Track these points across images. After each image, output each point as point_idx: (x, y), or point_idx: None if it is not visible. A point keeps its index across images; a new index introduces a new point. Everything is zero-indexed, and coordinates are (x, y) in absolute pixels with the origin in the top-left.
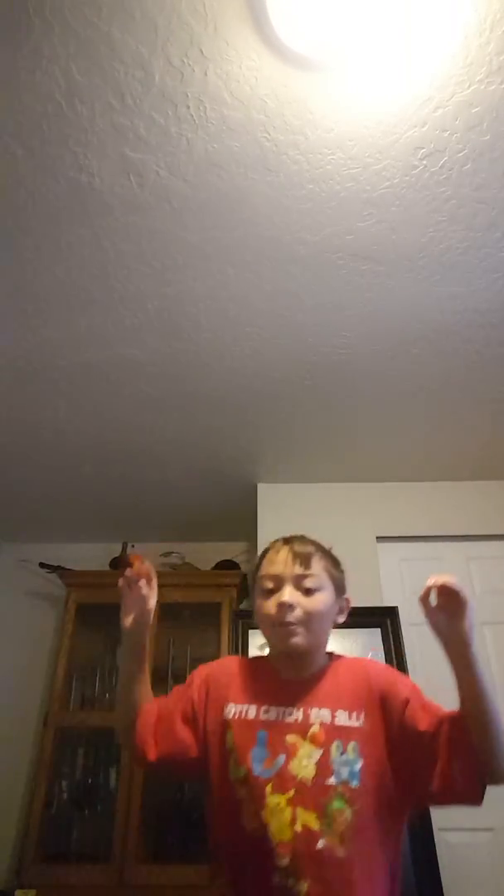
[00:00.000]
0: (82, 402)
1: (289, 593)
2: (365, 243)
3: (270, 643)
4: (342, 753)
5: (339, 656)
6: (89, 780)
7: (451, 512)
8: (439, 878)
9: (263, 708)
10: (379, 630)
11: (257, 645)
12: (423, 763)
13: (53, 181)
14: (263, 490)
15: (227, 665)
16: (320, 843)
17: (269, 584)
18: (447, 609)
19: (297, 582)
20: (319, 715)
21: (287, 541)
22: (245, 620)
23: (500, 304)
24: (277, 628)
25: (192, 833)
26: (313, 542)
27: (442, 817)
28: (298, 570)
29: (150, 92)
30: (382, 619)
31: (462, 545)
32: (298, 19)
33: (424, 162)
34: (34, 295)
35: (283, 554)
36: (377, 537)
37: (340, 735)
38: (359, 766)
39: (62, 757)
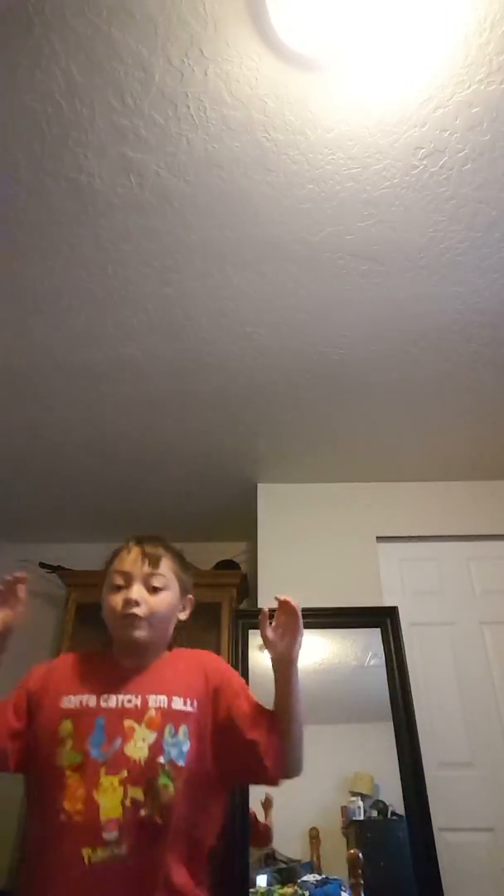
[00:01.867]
0: (82, 402)
1: (136, 590)
2: (365, 243)
3: (115, 634)
4: (173, 735)
5: (178, 648)
6: None
7: (451, 512)
8: (439, 878)
9: (104, 696)
10: (379, 630)
11: (257, 645)
12: (244, 747)
13: (53, 181)
14: (263, 490)
15: (64, 661)
16: (143, 812)
17: (119, 580)
18: (286, 626)
19: (146, 580)
20: (157, 700)
21: (139, 540)
22: (245, 620)
23: (500, 304)
24: (122, 621)
25: None
26: (164, 544)
27: (442, 817)
28: (147, 569)
29: (150, 92)
30: (382, 619)
31: (462, 545)
32: (298, 19)
33: (424, 162)
34: (34, 295)
35: (135, 553)
36: (377, 537)
37: (174, 719)
38: (186, 747)
39: None
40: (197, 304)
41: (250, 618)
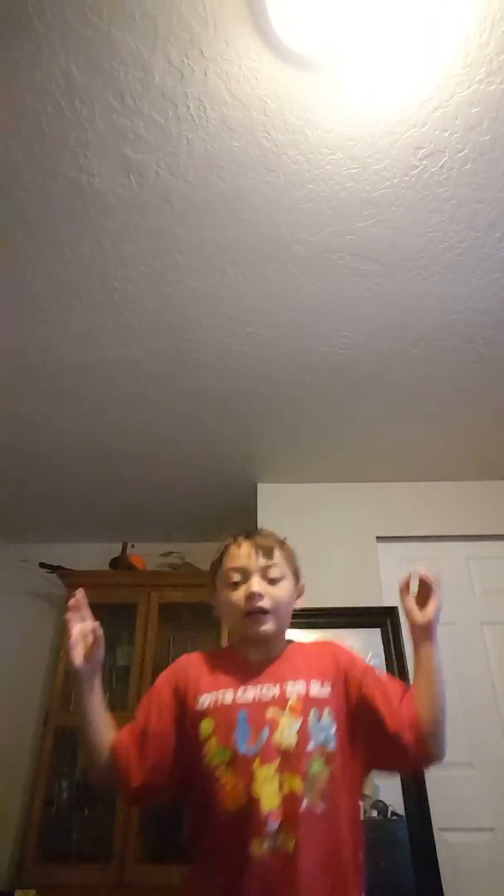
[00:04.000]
0: (82, 402)
1: (257, 583)
2: (365, 243)
3: (238, 632)
4: (319, 720)
5: (296, 641)
6: (89, 780)
7: (450, 512)
8: (439, 878)
9: (241, 689)
10: (379, 630)
11: None
12: (378, 728)
13: (53, 181)
14: (263, 490)
15: (190, 660)
16: (304, 804)
17: (236, 577)
18: (426, 596)
19: (263, 573)
20: (295, 687)
21: (248, 535)
22: None
23: (500, 304)
24: (248, 618)
25: None
26: (272, 534)
27: (442, 817)
28: (263, 561)
29: (150, 92)
30: (382, 619)
31: (462, 545)
32: (298, 19)
33: (424, 162)
34: (34, 295)
35: (247, 547)
36: (377, 537)
37: (316, 703)
38: (333, 730)
39: (62, 757)
40: (197, 304)
41: None
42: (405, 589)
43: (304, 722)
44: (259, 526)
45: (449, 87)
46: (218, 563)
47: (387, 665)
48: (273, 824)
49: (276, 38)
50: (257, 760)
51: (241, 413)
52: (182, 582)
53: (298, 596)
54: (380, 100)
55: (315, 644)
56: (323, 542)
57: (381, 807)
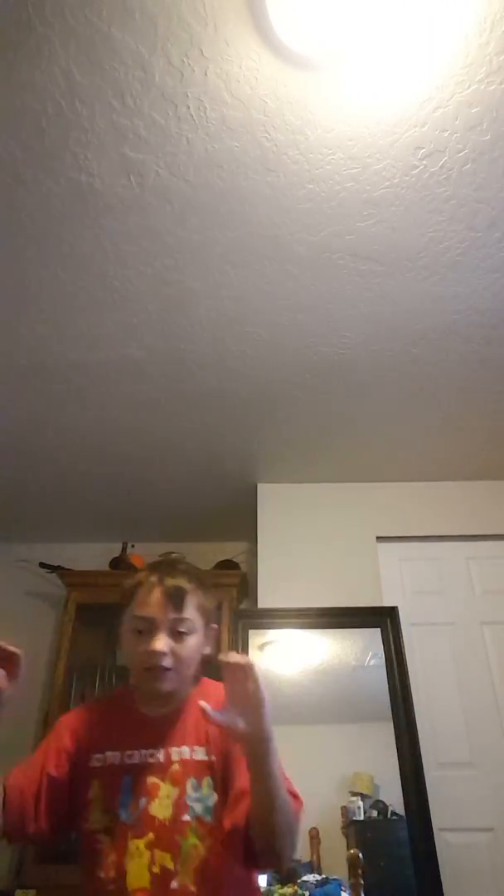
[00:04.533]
0: (82, 402)
1: (162, 641)
2: (365, 243)
3: (137, 683)
4: (196, 789)
5: (205, 681)
6: None
7: (450, 512)
8: (439, 878)
9: (128, 753)
10: (379, 630)
11: (257, 644)
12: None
13: (53, 181)
14: (263, 490)
15: (86, 714)
16: (174, 884)
17: (142, 626)
18: (241, 696)
19: (172, 626)
20: (180, 752)
21: (161, 577)
22: (245, 620)
23: (500, 304)
24: (147, 673)
25: None
26: (186, 573)
27: (442, 817)
28: (172, 614)
29: (150, 92)
30: (382, 619)
31: (462, 545)
32: (298, 19)
33: (424, 162)
34: (34, 295)
35: (157, 595)
36: (377, 537)
37: (196, 771)
38: (212, 801)
39: None
40: (197, 304)
41: (250, 618)
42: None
43: (182, 791)
44: (259, 526)
45: (449, 87)
46: (127, 600)
47: (387, 665)
48: None
49: (276, 38)
50: (131, 832)
51: (241, 413)
52: None
53: (207, 643)
54: (380, 100)
55: (216, 696)
56: (323, 542)
57: (381, 807)
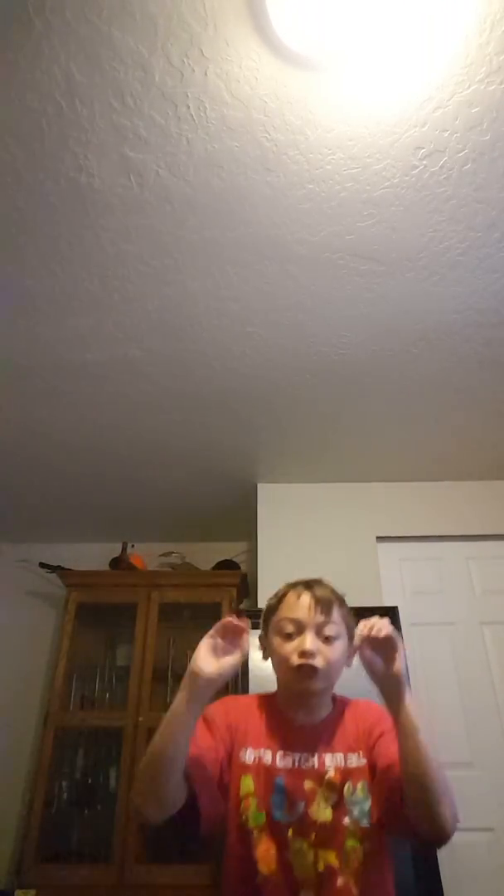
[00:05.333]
0: (82, 402)
1: (311, 640)
2: (365, 243)
3: (284, 684)
4: (353, 793)
5: (341, 698)
6: (89, 780)
7: (450, 512)
8: (439, 878)
9: (280, 753)
10: None
11: (256, 645)
12: (386, 794)
13: (53, 181)
14: (263, 490)
15: (244, 706)
16: (339, 881)
17: (290, 628)
18: (382, 653)
19: (319, 629)
20: (334, 759)
21: (308, 585)
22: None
23: (500, 304)
24: (296, 672)
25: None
26: (330, 587)
27: None
28: (320, 617)
29: (150, 92)
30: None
31: (462, 545)
32: (298, 19)
33: (424, 162)
34: (34, 295)
35: (306, 599)
36: (377, 537)
37: (352, 776)
38: (368, 805)
39: (62, 757)
40: (197, 304)
41: (250, 618)
42: (365, 641)
43: (340, 796)
44: (259, 526)
45: (449, 87)
46: (273, 609)
47: None
48: (308, 893)
49: (276, 38)
50: (291, 831)
51: (241, 413)
52: (182, 582)
53: (349, 656)
54: (380, 100)
55: (354, 707)
56: (323, 542)
57: None
